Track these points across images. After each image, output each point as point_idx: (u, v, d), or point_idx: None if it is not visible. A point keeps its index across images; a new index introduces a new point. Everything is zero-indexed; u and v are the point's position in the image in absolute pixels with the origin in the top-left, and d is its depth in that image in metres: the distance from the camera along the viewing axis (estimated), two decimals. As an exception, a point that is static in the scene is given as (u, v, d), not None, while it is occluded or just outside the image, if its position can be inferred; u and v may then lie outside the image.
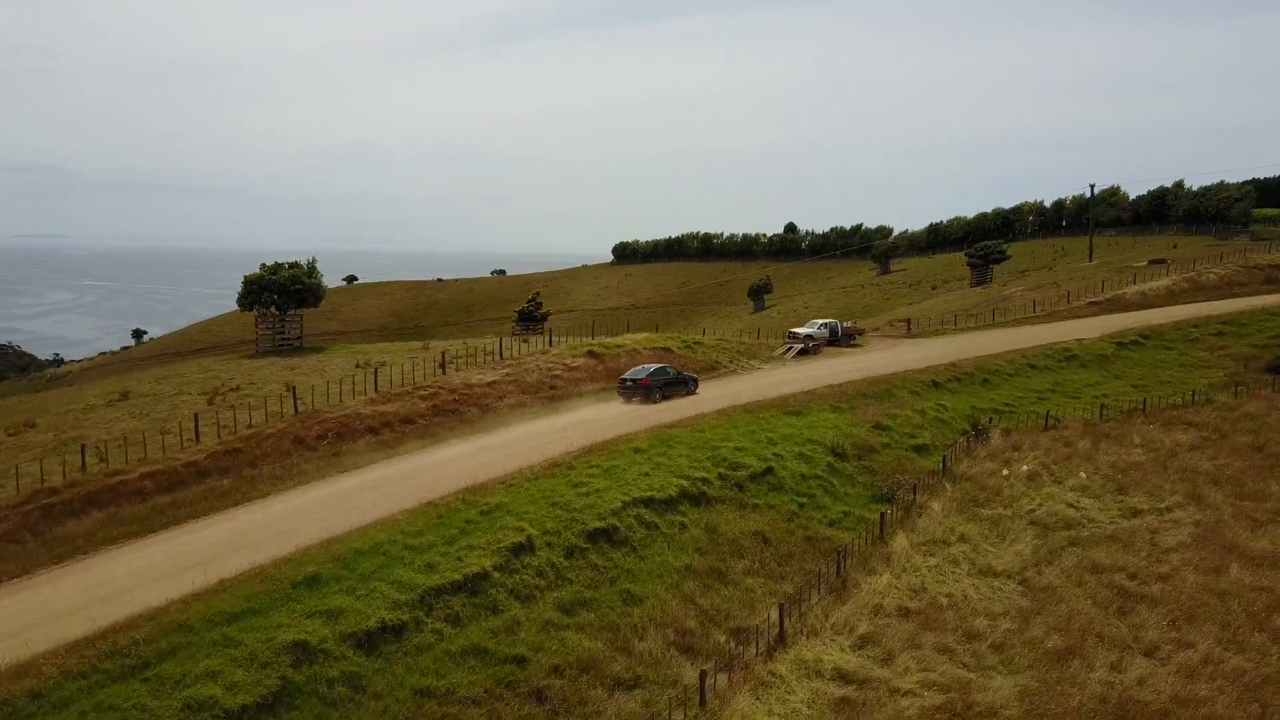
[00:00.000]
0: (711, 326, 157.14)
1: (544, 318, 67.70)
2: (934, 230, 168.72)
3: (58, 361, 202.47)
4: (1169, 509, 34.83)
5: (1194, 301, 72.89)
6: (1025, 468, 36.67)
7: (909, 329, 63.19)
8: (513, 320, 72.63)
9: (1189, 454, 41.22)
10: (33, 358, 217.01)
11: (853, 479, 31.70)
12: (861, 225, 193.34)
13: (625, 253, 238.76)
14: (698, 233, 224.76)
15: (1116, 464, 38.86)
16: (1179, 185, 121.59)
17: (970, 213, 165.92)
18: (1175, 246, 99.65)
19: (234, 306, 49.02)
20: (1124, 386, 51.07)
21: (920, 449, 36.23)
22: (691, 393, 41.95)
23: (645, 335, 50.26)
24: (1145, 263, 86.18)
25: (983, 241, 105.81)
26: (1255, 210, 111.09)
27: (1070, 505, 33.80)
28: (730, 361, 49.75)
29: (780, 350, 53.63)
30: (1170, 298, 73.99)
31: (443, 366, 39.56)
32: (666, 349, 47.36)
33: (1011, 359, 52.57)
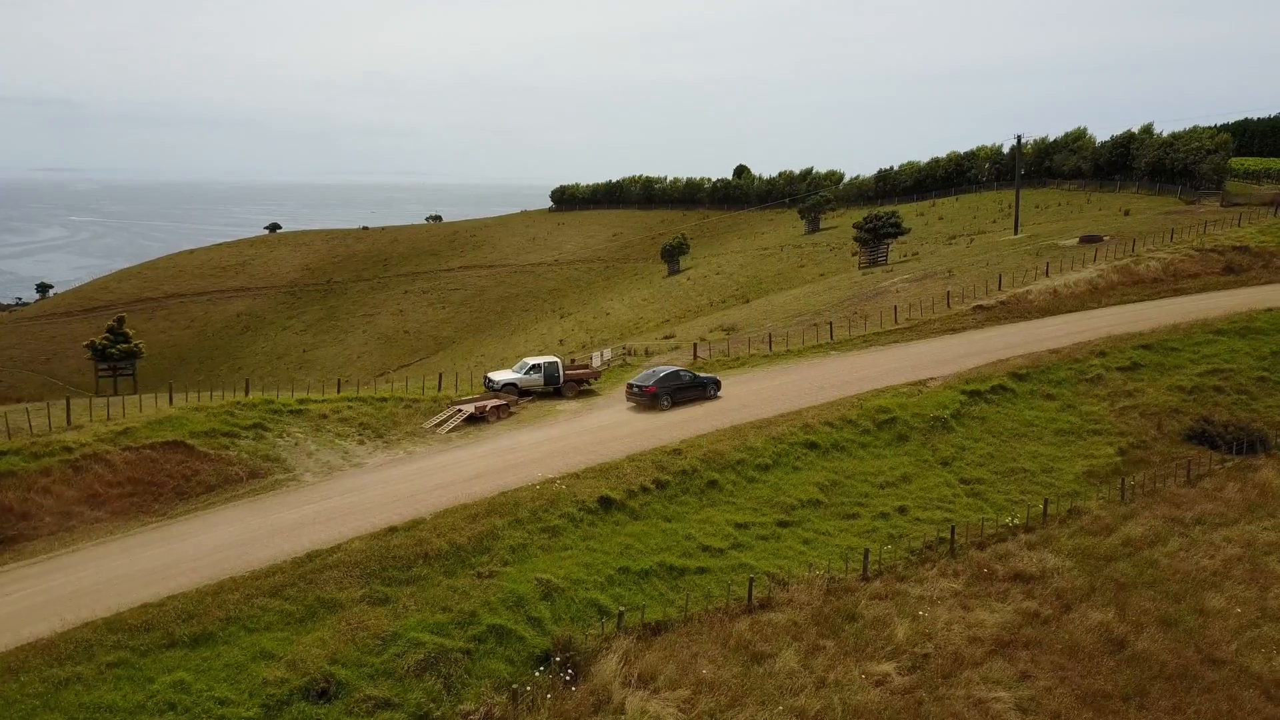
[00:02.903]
0: (622, 292, 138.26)
1: (129, 355, 48.08)
2: (883, 178, 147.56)
3: (19, 305, 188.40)
4: None
5: (1121, 302, 54.07)
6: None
7: (695, 356, 44.63)
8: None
9: (980, 669, 23.11)
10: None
11: None
12: (812, 170, 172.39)
13: (564, 198, 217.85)
14: (639, 177, 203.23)
15: None
16: (1146, 130, 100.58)
17: (924, 157, 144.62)
18: (1127, 213, 79.81)
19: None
20: (946, 484, 32.70)
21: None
22: (712, 397, 38.65)
23: (166, 415, 31.60)
24: (1076, 240, 66.93)
25: (874, 212, 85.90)
26: (1234, 160, 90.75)
27: None
28: (316, 452, 31.39)
29: (440, 417, 35.17)
30: (1091, 296, 55.07)
31: None
32: (176, 444, 28.99)
33: (782, 432, 34.09)
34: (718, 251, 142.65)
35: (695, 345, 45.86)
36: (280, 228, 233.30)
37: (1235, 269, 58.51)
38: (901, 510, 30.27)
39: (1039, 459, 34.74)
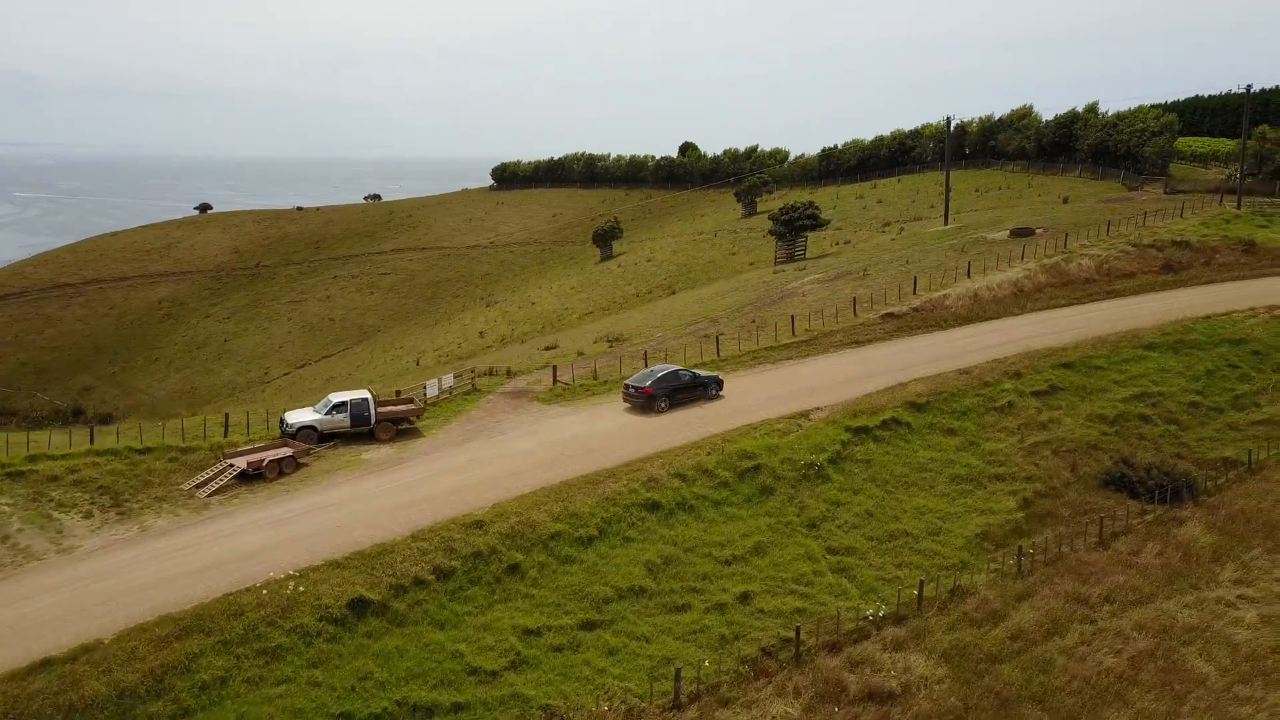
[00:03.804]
0: (553, 280, 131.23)
1: None
2: (827, 157, 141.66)
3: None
4: None
5: (1049, 307, 48.78)
6: None
7: (555, 380, 38.58)
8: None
9: None
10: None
11: None
12: (756, 148, 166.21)
13: (505, 176, 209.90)
14: (581, 154, 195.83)
15: None
16: (1091, 109, 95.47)
17: (885, 131, 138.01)
18: (1066, 200, 74.71)
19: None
20: (808, 555, 26.99)
21: None
22: (714, 397, 37.04)
23: None
24: (1007, 233, 61.60)
25: (790, 202, 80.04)
26: (1181, 141, 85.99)
27: None
28: (17, 534, 25.01)
29: (204, 475, 28.83)
30: (1015, 301, 49.67)
31: None
32: None
33: (618, 490, 28.19)
34: (655, 235, 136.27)
35: (555, 369, 39.72)
36: (211, 208, 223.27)
37: (1174, 267, 53.43)
38: (744, 598, 24.52)
39: (926, 517, 29.17)
